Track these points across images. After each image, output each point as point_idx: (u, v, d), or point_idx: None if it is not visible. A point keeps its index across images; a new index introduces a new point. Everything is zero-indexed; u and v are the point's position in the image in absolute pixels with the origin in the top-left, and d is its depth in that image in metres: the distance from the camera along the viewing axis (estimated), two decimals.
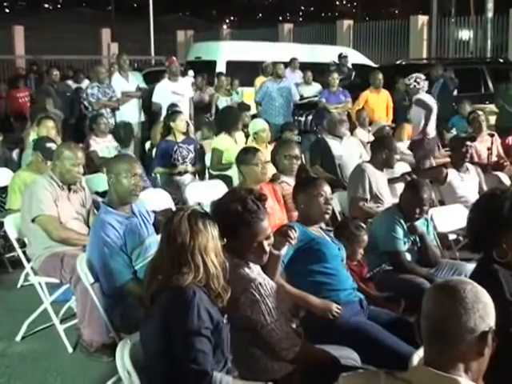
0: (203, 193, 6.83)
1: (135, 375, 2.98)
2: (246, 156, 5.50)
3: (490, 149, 8.73)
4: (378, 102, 11.30)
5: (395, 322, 4.05)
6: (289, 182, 5.77)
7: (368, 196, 6.24)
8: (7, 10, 54.60)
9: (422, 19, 21.96)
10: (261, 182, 5.47)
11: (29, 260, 5.29)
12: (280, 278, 3.86)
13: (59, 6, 60.65)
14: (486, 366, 2.15)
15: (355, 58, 17.40)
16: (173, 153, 8.11)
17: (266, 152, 6.66)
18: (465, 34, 22.60)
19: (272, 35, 24.67)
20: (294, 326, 3.46)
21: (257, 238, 3.30)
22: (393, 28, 22.73)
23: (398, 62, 16.46)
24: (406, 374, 2.04)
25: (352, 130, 9.95)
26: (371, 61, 18.57)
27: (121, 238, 4.31)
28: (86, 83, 14.34)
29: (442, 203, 6.97)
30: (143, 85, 11.75)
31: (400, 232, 5.09)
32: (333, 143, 7.96)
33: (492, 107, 12.22)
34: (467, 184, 7.00)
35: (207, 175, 8.47)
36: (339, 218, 6.14)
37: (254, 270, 3.38)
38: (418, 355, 2.54)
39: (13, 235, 5.40)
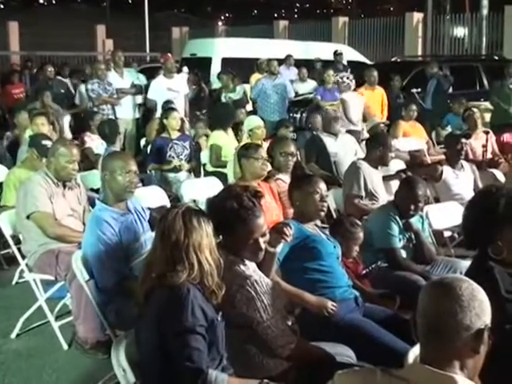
0: (198, 190, 6.83)
1: (130, 372, 2.98)
2: (248, 150, 5.55)
3: (484, 146, 8.74)
4: (373, 99, 11.28)
5: (391, 319, 4.06)
6: (284, 180, 5.78)
7: (363, 193, 6.25)
8: (2, 6, 54.48)
9: (417, 16, 21.97)
10: (260, 178, 5.51)
11: (24, 257, 5.28)
12: (275, 276, 3.86)
13: (54, 2, 60.51)
14: (482, 363, 2.15)
15: (350, 55, 17.42)
16: (168, 150, 8.11)
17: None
18: (460, 31, 22.61)
19: (267, 32, 24.67)
20: (289, 323, 3.46)
21: (252, 235, 3.30)
22: (388, 25, 22.74)
23: (393, 59, 16.48)
24: (402, 371, 2.05)
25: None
26: (366, 58, 18.59)
27: (116, 234, 4.30)
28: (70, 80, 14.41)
29: (437, 200, 6.99)
30: (139, 81, 11.75)
31: (395, 229, 5.10)
32: (328, 140, 7.96)
33: (487, 104, 12.23)
34: (462, 181, 7.01)
35: (202, 172, 8.47)
36: (334, 216, 6.15)
37: (250, 267, 3.38)
38: (413, 352, 2.55)
39: (8, 232, 5.39)
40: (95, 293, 4.34)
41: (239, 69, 13.47)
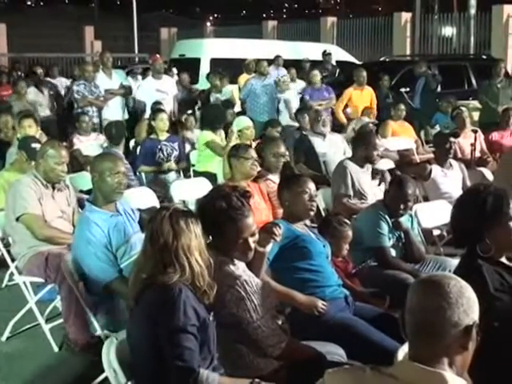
0: (188, 190, 6.84)
1: (121, 373, 2.98)
2: (238, 150, 5.58)
3: (473, 145, 8.77)
4: (362, 99, 11.32)
5: (381, 318, 4.08)
6: (274, 180, 5.79)
7: (351, 192, 6.27)
8: None
9: (406, 16, 22.01)
10: (250, 178, 5.53)
11: (13, 259, 5.26)
12: (265, 275, 3.87)
13: (42, 3, 60.30)
14: (471, 359, 2.17)
15: (339, 55, 17.46)
16: (157, 151, 8.12)
17: None
18: (448, 31, 22.67)
19: (256, 32, 24.66)
20: (279, 322, 3.47)
21: (242, 234, 3.31)
22: (376, 25, 22.76)
23: (381, 59, 16.51)
24: (391, 368, 2.06)
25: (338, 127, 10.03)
26: (355, 58, 18.62)
27: (106, 236, 4.30)
28: (60, 80, 14.35)
29: (426, 199, 7.00)
30: (126, 82, 11.73)
31: (385, 228, 5.12)
32: (316, 140, 7.97)
33: (475, 103, 12.28)
34: (451, 180, 7.03)
35: (192, 173, 8.48)
36: (324, 215, 6.17)
37: (239, 267, 3.39)
38: (403, 350, 2.56)
39: None
40: (85, 294, 4.34)
41: (228, 69, 13.48)
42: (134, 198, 5.95)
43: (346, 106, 11.49)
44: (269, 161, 5.99)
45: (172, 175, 8.05)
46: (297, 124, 10.05)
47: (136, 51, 27.16)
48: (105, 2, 45.32)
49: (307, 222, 4.45)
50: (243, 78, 12.97)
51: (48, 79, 14.37)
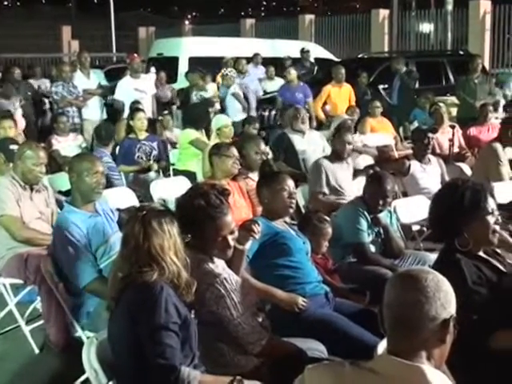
0: (168, 190, 6.82)
1: (102, 373, 2.97)
2: (220, 148, 5.60)
3: (451, 140, 8.83)
4: (341, 96, 11.35)
5: (361, 313, 4.09)
6: (253, 178, 5.80)
7: (325, 190, 6.34)
8: None
9: (383, 13, 22.08)
10: (230, 176, 5.54)
11: None
12: (245, 273, 3.87)
13: (18, 3, 59.81)
14: (449, 352, 2.18)
15: (317, 52, 17.49)
16: (136, 150, 8.10)
17: None
18: (425, 27, 22.79)
19: (234, 30, 24.63)
20: (260, 320, 3.48)
21: (221, 232, 3.31)
22: (354, 22, 22.83)
23: (359, 56, 16.55)
24: (370, 363, 2.07)
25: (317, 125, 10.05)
26: (333, 55, 18.66)
27: (85, 236, 4.29)
28: (43, 81, 14.23)
29: (405, 195, 7.05)
30: (105, 82, 11.70)
31: (364, 224, 5.14)
32: (295, 138, 7.98)
33: (453, 99, 12.34)
34: (429, 175, 7.08)
35: (172, 172, 8.47)
36: (303, 212, 6.18)
37: (219, 265, 3.39)
38: (383, 345, 2.58)
39: None
40: (65, 295, 4.32)
41: (207, 68, 13.47)
42: (114, 197, 5.93)
43: (325, 103, 11.51)
44: (252, 159, 6.00)
45: (152, 174, 8.02)
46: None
47: (114, 50, 27.05)
48: (82, 1, 45.05)
49: (287, 219, 4.46)
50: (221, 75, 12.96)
51: (30, 80, 14.27)
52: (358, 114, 10.43)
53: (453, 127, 9.17)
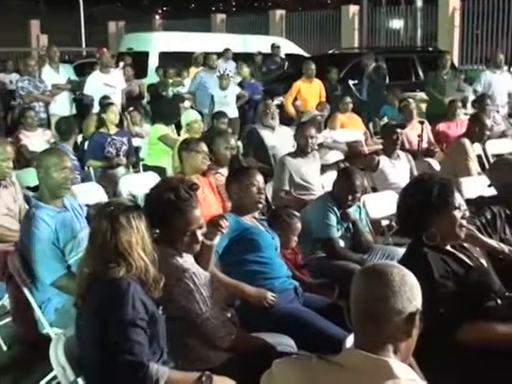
0: (137, 185, 6.78)
1: (70, 370, 2.95)
2: (190, 144, 5.58)
3: (420, 136, 8.88)
4: (311, 92, 11.36)
5: (330, 308, 4.11)
6: (223, 173, 5.79)
7: (287, 187, 6.38)
8: None
9: (353, 9, 22.16)
10: (200, 171, 5.52)
11: None
12: (214, 269, 3.87)
13: None
14: (417, 345, 2.20)
15: (288, 47, 17.49)
16: (106, 145, 8.04)
17: None
18: (395, 24, 22.91)
19: (205, 26, 24.57)
20: (228, 315, 3.48)
21: (190, 226, 3.31)
22: (325, 18, 22.89)
23: (330, 52, 16.60)
24: (337, 357, 2.08)
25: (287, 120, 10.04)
26: (304, 50, 18.69)
27: (53, 232, 4.25)
28: (13, 76, 14.09)
29: (374, 190, 7.08)
30: (74, 77, 11.61)
31: (333, 219, 5.17)
32: (265, 134, 7.98)
33: (422, 95, 12.42)
34: (398, 170, 7.12)
35: (141, 167, 8.43)
36: (273, 207, 6.19)
37: (188, 261, 3.39)
38: (351, 339, 2.59)
39: None
40: (33, 291, 4.28)
41: (177, 63, 13.42)
42: (82, 193, 5.89)
43: (296, 98, 11.52)
44: (222, 154, 6.00)
45: (121, 170, 7.98)
46: None
47: (84, 45, 26.83)
48: None
49: (256, 214, 4.47)
50: (192, 71, 12.94)
51: (1, 75, 14.15)
52: (328, 110, 10.45)
53: (422, 123, 9.22)
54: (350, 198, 5.24)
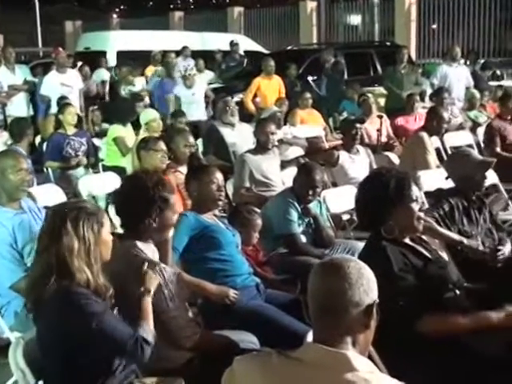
0: (97, 185, 6.73)
1: (29, 374, 2.92)
2: (148, 143, 5.58)
3: (379, 130, 8.96)
4: (270, 88, 11.37)
5: (292, 303, 4.13)
6: (182, 171, 5.77)
7: (247, 184, 6.39)
8: None
9: (311, 5, 22.23)
10: (159, 170, 5.48)
11: None
12: (176, 267, 3.86)
13: None
14: (378, 337, 2.22)
15: (247, 44, 17.50)
16: (65, 146, 7.96)
17: None
18: (353, 19, 23.04)
19: (163, 24, 24.43)
20: (191, 315, 3.47)
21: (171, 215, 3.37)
22: (283, 14, 22.96)
23: (288, 48, 16.63)
24: (296, 352, 2.09)
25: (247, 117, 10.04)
26: (262, 47, 18.70)
27: (10, 234, 4.19)
28: None
29: (334, 185, 7.10)
30: (31, 77, 11.48)
31: (294, 214, 5.18)
32: (225, 131, 7.96)
33: (381, 89, 12.51)
34: (358, 165, 7.15)
35: (101, 168, 8.37)
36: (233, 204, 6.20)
37: (156, 256, 3.38)
38: (311, 334, 2.60)
39: None
40: None
41: (135, 61, 13.35)
42: (41, 195, 5.81)
43: (255, 95, 11.52)
44: (180, 152, 5.97)
45: (80, 171, 7.90)
46: None
47: (40, 45, 26.52)
48: None
49: (216, 211, 4.46)
50: (150, 69, 12.88)
51: None
52: (287, 106, 10.48)
53: (380, 117, 9.30)
54: (310, 193, 5.26)
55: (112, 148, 8.11)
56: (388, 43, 17.11)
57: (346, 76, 13.02)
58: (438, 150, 8.08)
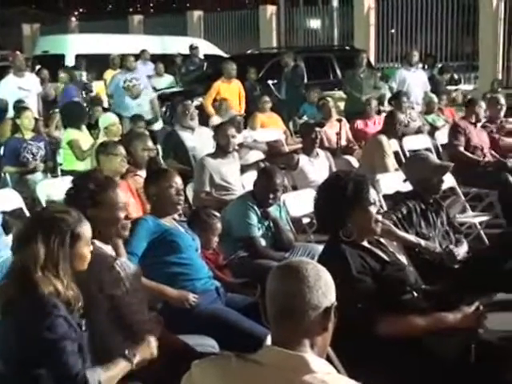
0: (55, 190, 6.64)
1: None
2: (107, 147, 5.54)
3: (338, 134, 9.02)
4: (230, 92, 11.37)
5: (252, 307, 4.11)
6: (142, 175, 5.73)
7: (207, 189, 6.38)
8: None
9: (271, 9, 22.29)
10: (118, 174, 5.46)
11: None
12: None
13: None
14: (337, 339, 2.23)
15: (206, 48, 17.49)
16: (21, 150, 7.87)
17: None
18: (313, 23, 23.17)
19: (122, 27, 24.28)
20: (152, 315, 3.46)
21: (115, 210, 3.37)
22: (243, 18, 22.96)
23: (248, 52, 16.66)
24: (255, 355, 2.08)
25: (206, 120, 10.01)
26: (222, 51, 18.71)
27: None
28: None
29: (294, 188, 7.13)
30: None
31: (253, 218, 5.20)
32: (185, 135, 7.93)
33: (341, 93, 12.59)
34: (318, 169, 7.19)
35: (59, 172, 8.29)
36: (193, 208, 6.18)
37: (113, 253, 3.37)
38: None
39: None
40: None
41: (94, 65, 13.26)
42: None
43: (215, 99, 11.51)
44: (138, 156, 5.93)
45: (38, 175, 7.82)
46: None
47: None
48: None
49: (176, 215, 4.45)
50: (109, 73, 12.79)
51: None
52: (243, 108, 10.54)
53: (340, 121, 9.37)
54: (271, 196, 5.29)
55: (68, 152, 8.04)
56: (347, 47, 17.24)
57: (305, 80, 13.07)
58: (396, 154, 8.17)
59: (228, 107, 10.28)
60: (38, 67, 13.44)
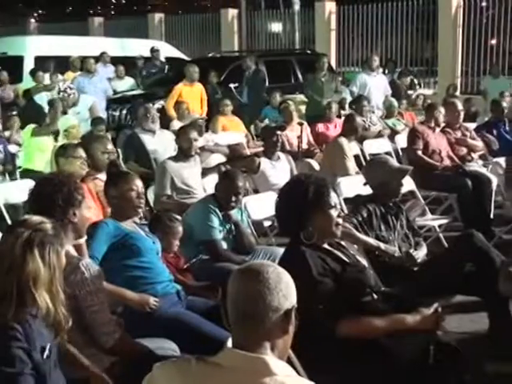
0: (15, 193, 6.57)
1: None
2: (67, 149, 5.49)
3: (299, 137, 9.06)
4: (192, 95, 11.34)
5: (213, 309, 4.11)
6: (102, 178, 5.69)
7: (168, 192, 6.38)
8: None
9: (232, 12, 22.30)
10: (78, 177, 5.39)
11: None
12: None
13: None
14: (298, 340, 2.24)
15: (168, 51, 17.43)
16: None
17: None
18: (274, 27, 23.23)
19: (82, 29, 24.07)
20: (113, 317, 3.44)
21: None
22: (204, 21, 22.92)
23: (210, 55, 16.65)
24: (215, 357, 2.09)
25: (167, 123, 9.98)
26: (184, 54, 18.66)
27: None
28: None
29: (255, 192, 7.15)
30: None
31: (215, 221, 5.20)
32: (146, 138, 7.90)
33: (302, 97, 12.65)
34: (279, 172, 7.23)
35: (18, 175, 8.19)
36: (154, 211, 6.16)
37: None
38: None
39: None
40: None
41: (54, 67, 13.13)
42: None
43: (177, 101, 11.47)
44: (100, 159, 5.89)
45: None
46: None
47: None
48: None
49: (136, 219, 4.42)
50: (68, 75, 12.68)
51: None
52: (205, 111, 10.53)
53: (301, 124, 9.41)
54: (233, 199, 5.30)
55: (28, 149, 7.95)
56: (309, 51, 17.29)
57: (267, 83, 13.11)
58: (357, 157, 8.24)
59: (188, 110, 10.26)
60: None
